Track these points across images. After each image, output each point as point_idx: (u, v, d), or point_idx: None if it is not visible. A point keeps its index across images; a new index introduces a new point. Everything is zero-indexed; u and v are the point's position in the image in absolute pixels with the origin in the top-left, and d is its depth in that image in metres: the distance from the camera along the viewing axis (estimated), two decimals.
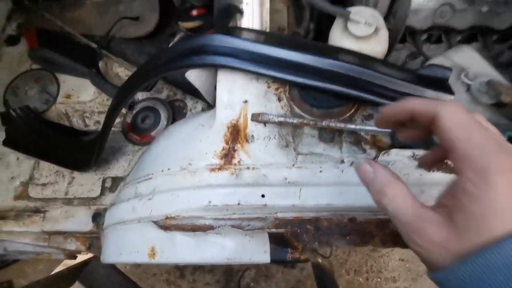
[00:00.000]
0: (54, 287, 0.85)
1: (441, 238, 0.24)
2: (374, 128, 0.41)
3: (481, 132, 0.24)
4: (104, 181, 0.69)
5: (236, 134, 0.42)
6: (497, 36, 0.72)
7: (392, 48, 0.69)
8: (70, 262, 0.91)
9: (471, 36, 0.74)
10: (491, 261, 0.22)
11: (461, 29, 0.66)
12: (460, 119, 0.25)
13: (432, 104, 0.26)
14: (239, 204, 0.37)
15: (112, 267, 0.75)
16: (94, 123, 0.75)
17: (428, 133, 0.30)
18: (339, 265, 1.22)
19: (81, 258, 0.93)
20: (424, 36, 0.73)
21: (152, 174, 0.44)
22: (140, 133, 0.72)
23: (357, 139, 0.42)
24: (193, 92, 0.77)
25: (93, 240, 0.66)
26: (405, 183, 0.27)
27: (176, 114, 0.75)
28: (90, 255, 0.84)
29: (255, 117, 0.43)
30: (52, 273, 0.96)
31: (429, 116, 0.26)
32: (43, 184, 0.68)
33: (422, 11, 0.63)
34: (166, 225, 0.39)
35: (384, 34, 0.52)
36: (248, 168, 0.39)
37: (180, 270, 1.33)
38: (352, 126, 0.41)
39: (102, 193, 0.68)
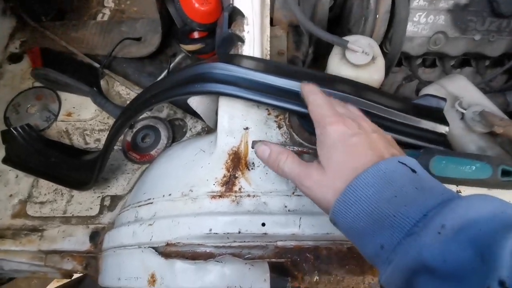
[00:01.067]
0: None
1: (319, 178, 0.34)
2: None
3: (326, 109, 0.37)
4: (103, 199, 0.69)
5: (237, 161, 0.43)
6: (490, 61, 0.74)
7: (389, 72, 0.71)
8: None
9: (464, 60, 0.76)
10: (351, 193, 0.31)
11: (454, 55, 0.68)
12: (317, 102, 0.38)
13: (305, 93, 0.41)
14: (239, 232, 0.38)
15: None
16: (94, 141, 0.76)
17: None
18: (336, 283, 1.22)
19: (76, 275, 0.92)
20: (419, 61, 0.75)
21: (153, 198, 0.45)
22: (140, 151, 0.73)
23: None
24: (193, 112, 0.78)
25: (90, 260, 0.65)
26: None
27: (176, 133, 0.76)
28: None
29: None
30: None
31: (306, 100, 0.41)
32: (42, 202, 0.68)
33: (416, 39, 0.65)
34: (166, 251, 0.39)
35: (381, 63, 0.54)
36: (248, 195, 0.40)
37: None
38: None
39: (100, 211, 0.68)
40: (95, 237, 0.65)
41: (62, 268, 0.66)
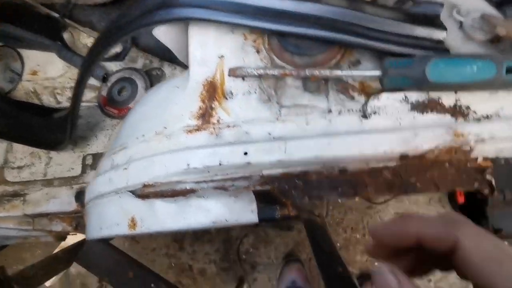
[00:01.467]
0: (50, 270, 0.84)
1: None
2: (362, 73, 0.38)
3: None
4: (84, 158, 0.65)
5: (213, 91, 0.38)
6: None
7: None
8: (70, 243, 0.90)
9: None
10: None
11: None
12: (487, 248, 0.21)
13: (447, 228, 0.22)
14: (220, 164, 0.35)
15: (108, 244, 0.75)
16: (67, 99, 0.71)
17: (440, 265, 0.25)
18: (336, 224, 1.24)
19: (76, 238, 0.92)
20: None
21: (127, 143, 0.41)
22: (118, 105, 0.68)
23: (344, 87, 0.39)
24: (170, 58, 0.72)
25: (79, 220, 0.63)
26: None
27: (154, 83, 0.70)
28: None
29: (233, 72, 0.39)
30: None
31: (446, 243, 0.22)
32: (19, 167, 0.65)
33: None
34: (144, 193, 0.36)
35: None
36: (228, 126, 0.36)
37: (179, 242, 1.34)
38: (339, 73, 0.38)
39: (83, 171, 0.65)
40: (81, 196, 0.62)
41: (52, 230, 0.64)
